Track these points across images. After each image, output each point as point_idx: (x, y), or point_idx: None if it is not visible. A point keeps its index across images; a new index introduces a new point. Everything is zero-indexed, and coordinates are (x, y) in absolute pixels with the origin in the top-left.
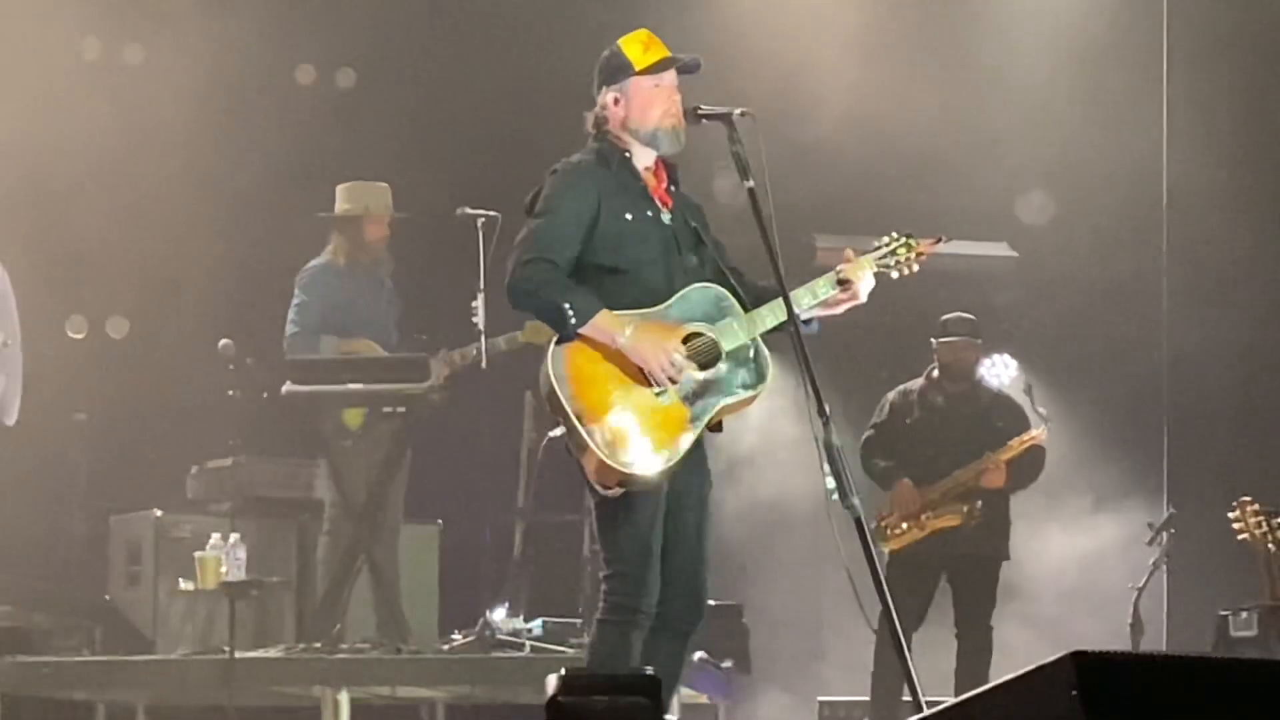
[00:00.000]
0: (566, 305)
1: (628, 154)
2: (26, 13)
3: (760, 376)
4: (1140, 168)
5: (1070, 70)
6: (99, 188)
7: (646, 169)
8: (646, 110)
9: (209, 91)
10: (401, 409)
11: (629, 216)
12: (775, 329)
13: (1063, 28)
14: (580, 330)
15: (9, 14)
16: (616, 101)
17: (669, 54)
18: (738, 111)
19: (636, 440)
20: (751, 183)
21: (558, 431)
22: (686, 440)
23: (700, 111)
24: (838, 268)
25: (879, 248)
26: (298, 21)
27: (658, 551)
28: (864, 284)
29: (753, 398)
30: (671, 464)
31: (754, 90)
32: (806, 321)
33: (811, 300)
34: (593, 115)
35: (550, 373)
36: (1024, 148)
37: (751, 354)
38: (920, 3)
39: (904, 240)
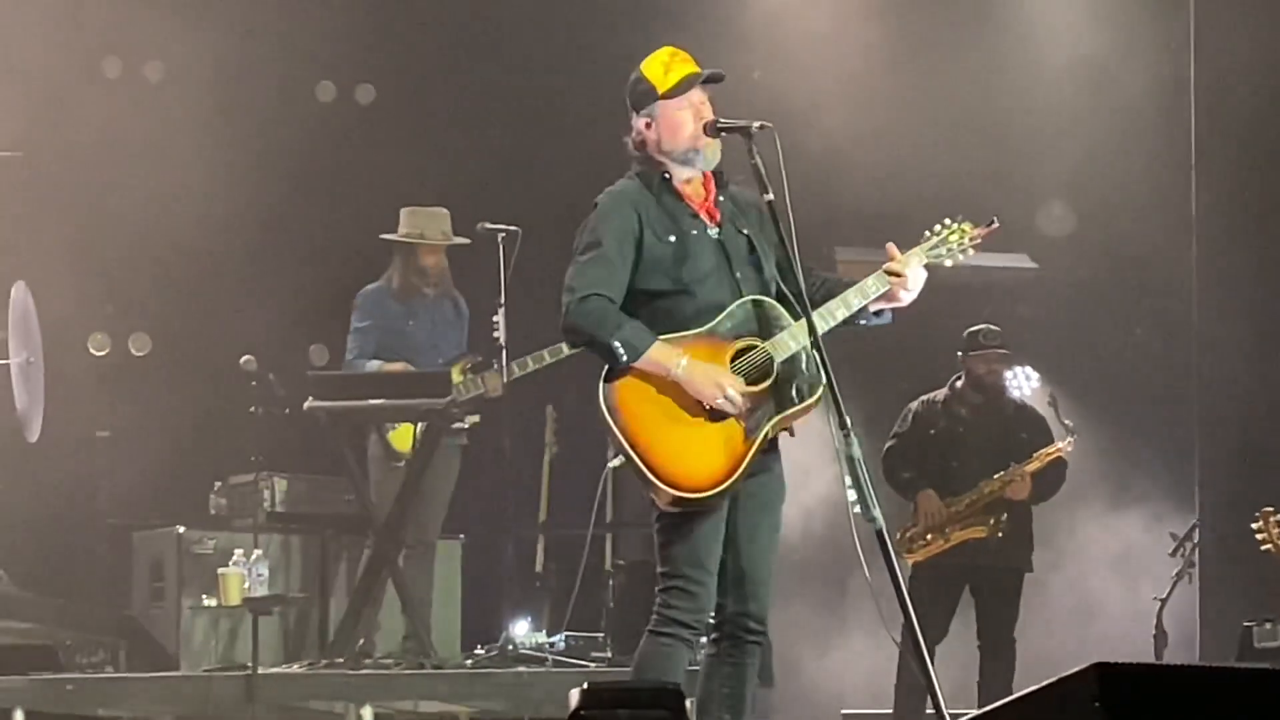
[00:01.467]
0: (617, 345)
1: (667, 175)
2: (49, 31)
3: (815, 386)
4: (1164, 178)
5: (1092, 81)
6: (120, 205)
7: (689, 183)
8: (678, 132)
9: (229, 108)
10: (464, 429)
11: (673, 238)
12: (842, 324)
13: (1084, 39)
14: (634, 365)
15: (31, 32)
16: (649, 125)
17: (693, 69)
18: (756, 125)
19: (693, 465)
20: (771, 195)
21: (616, 461)
22: (745, 458)
23: (719, 125)
24: (885, 265)
25: (930, 237)
26: (317, 38)
27: (714, 568)
28: (913, 274)
29: (810, 406)
30: (731, 483)
31: (771, 103)
32: (878, 313)
33: (861, 300)
34: (630, 139)
35: (603, 406)
36: (1044, 159)
37: (804, 363)
38: (939, 15)
39: (955, 227)
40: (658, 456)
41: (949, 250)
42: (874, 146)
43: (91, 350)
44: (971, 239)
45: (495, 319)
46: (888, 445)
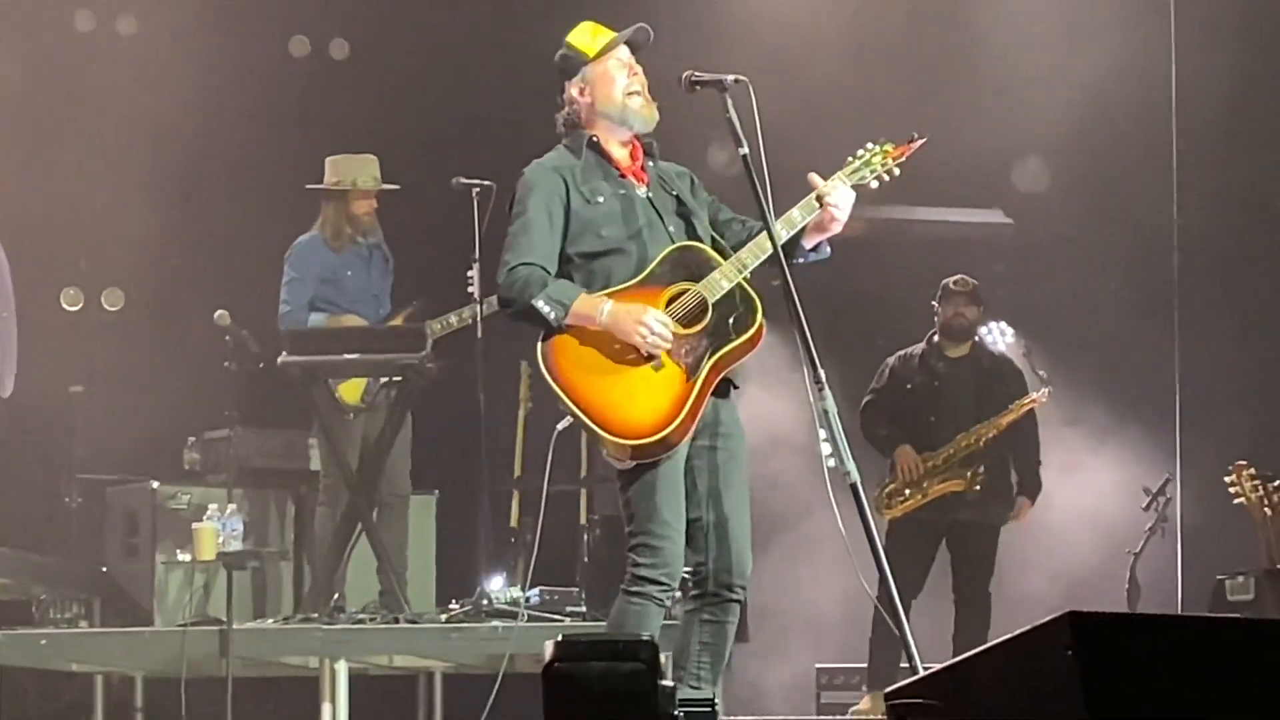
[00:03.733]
0: (542, 304)
1: (594, 138)
2: None
3: (749, 321)
4: (1142, 132)
5: (1069, 36)
6: (93, 159)
7: (622, 144)
8: (610, 89)
9: (202, 63)
10: (398, 379)
11: (601, 199)
12: (775, 266)
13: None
14: (565, 321)
15: None
16: (582, 91)
17: (614, 34)
18: (731, 78)
19: (636, 411)
20: (746, 149)
21: (564, 423)
22: (688, 397)
23: (694, 79)
24: (813, 193)
25: (853, 160)
26: None
27: (679, 523)
28: (839, 195)
29: (748, 341)
30: (678, 423)
31: (748, 56)
32: (814, 248)
33: (790, 229)
34: (562, 116)
35: (543, 368)
36: (1020, 115)
37: (740, 300)
38: None
39: (878, 149)
40: (601, 408)
41: (873, 171)
42: (849, 102)
43: (64, 305)
44: (895, 158)
45: (470, 273)
46: (865, 401)
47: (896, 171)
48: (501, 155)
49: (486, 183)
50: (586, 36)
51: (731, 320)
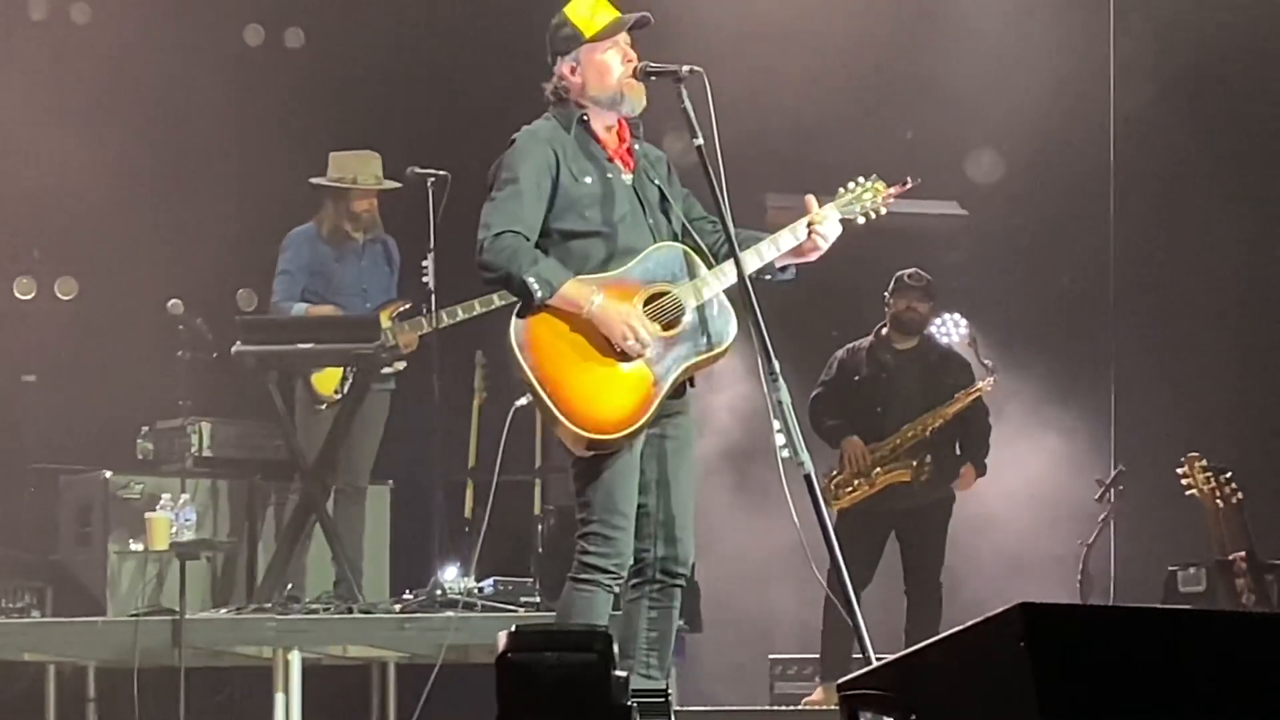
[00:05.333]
0: (531, 280)
1: (585, 116)
2: None
3: (722, 335)
4: (1089, 127)
5: (1020, 29)
6: (46, 148)
7: (608, 128)
8: (604, 76)
9: (157, 51)
10: (392, 374)
11: (589, 179)
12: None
13: None
14: (548, 302)
15: None
16: (573, 71)
17: (617, 15)
18: (685, 69)
19: (601, 407)
20: (701, 140)
21: (524, 400)
22: (653, 402)
23: (649, 69)
24: (804, 219)
25: (843, 194)
26: None
27: (630, 512)
28: (829, 228)
29: (717, 355)
30: (638, 426)
31: (705, 47)
32: (783, 268)
33: (775, 250)
34: (551, 85)
35: (513, 343)
36: (974, 107)
37: (715, 311)
38: None
39: (870, 185)
40: (565, 396)
41: (862, 207)
42: (805, 93)
43: (17, 294)
44: (885, 198)
45: (425, 264)
46: (814, 393)
47: (884, 211)
48: (457, 145)
49: (442, 173)
50: (586, 11)
51: (704, 331)
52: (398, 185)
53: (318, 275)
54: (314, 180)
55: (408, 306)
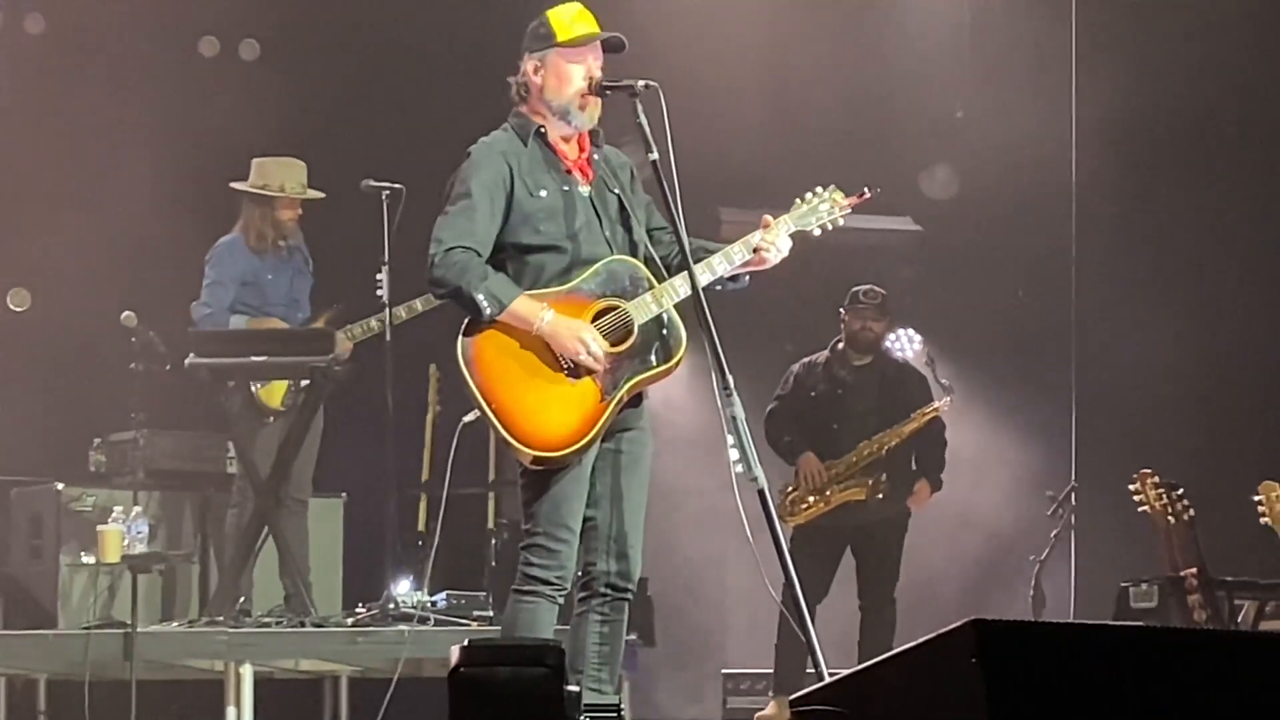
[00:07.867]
0: (481, 296)
1: (542, 129)
2: None
3: (670, 351)
4: (1047, 143)
5: (976, 46)
6: None
7: (566, 139)
8: (562, 84)
9: (111, 62)
10: (305, 382)
11: (544, 193)
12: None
13: (968, 5)
14: (497, 318)
15: None
16: (536, 70)
17: (596, 29)
18: (641, 84)
19: (548, 424)
20: (656, 155)
21: (471, 416)
22: (599, 418)
23: (604, 85)
24: (756, 233)
25: (800, 204)
26: None
27: (576, 526)
28: (780, 243)
29: (666, 371)
30: (585, 443)
31: (661, 64)
32: (734, 278)
33: (728, 265)
34: (515, 82)
35: (461, 359)
36: (929, 123)
37: (664, 328)
38: None
39: (826, 195)
40: (512, 413)
41: (818, 219)
42: (760, 108)
43: None
44: (841, 209)
45: (379, 276)
46: (769, 409)
47: (841, 222)
48: (412, 157)
49: (396, 185)
50: (566, 18)
51: (654, 346)
52: (322, 195)
53: (249, 286)
54: (236, 185)
55: (341, 308)
